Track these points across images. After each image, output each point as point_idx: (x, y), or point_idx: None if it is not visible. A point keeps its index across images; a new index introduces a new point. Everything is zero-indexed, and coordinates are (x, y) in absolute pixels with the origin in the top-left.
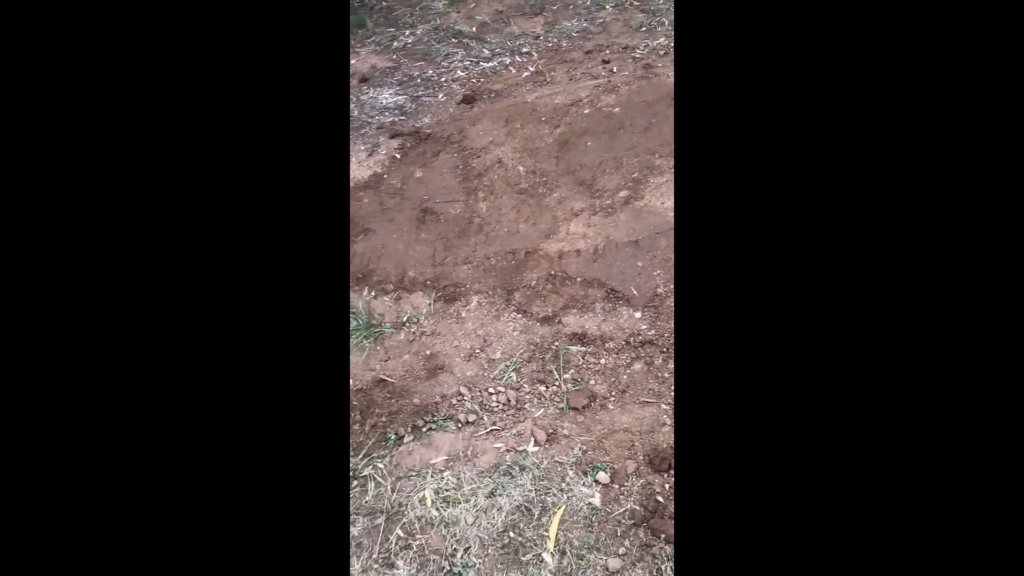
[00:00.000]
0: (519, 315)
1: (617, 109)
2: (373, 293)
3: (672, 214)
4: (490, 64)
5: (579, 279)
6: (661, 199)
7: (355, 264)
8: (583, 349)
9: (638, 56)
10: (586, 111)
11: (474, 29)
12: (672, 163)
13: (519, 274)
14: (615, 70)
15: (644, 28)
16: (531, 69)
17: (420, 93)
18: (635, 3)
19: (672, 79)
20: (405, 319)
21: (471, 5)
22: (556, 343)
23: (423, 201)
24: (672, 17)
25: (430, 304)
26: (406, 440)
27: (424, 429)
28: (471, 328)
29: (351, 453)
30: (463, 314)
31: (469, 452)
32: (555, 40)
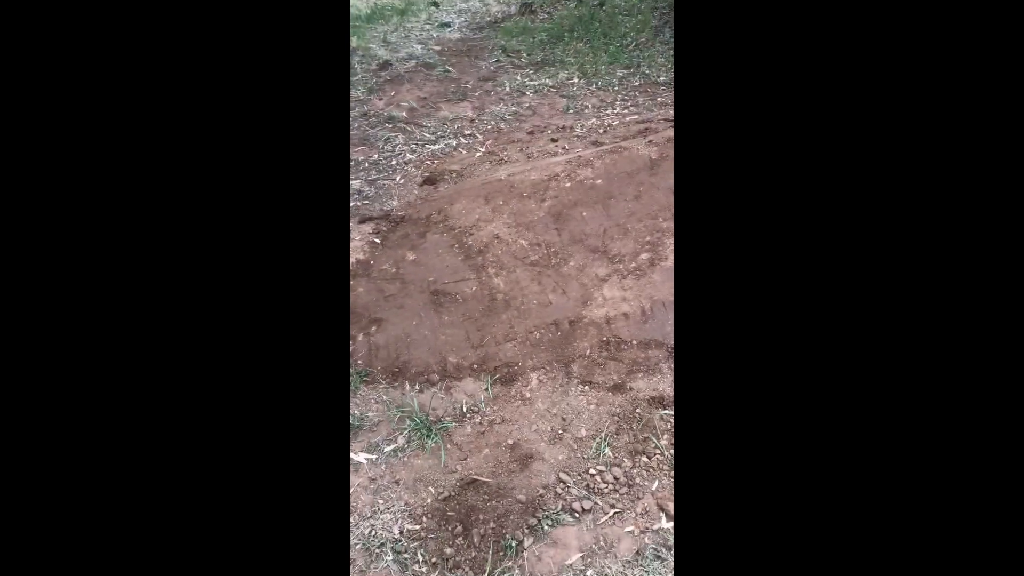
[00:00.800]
0: (586, 387)
1: (599, 181)
2: (418, 386)
3: None
4: (437, 146)
5: (635, 342)
6: None
7: (383, 357)
8: (667, 412)
9: (580, 134)
10: (567, 184)
11: (405, 115)
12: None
13: (570, 345)
14: (567, 147)
15: (571, 111)
16: (481, 150)
17: (374, 177)
18: (552, 89)
19: (643, 152)
20: (465, 409)
21: (391, 93)
22: (637, 410)
23: (429, 284)
24: (593, 101)
25: (487, 389)
26: (527, 544)
27: (542, 528)
28: (542, 408)
29: (472, 574)
30: (527, 394)
31: (603, 543)
32: (492, 123)
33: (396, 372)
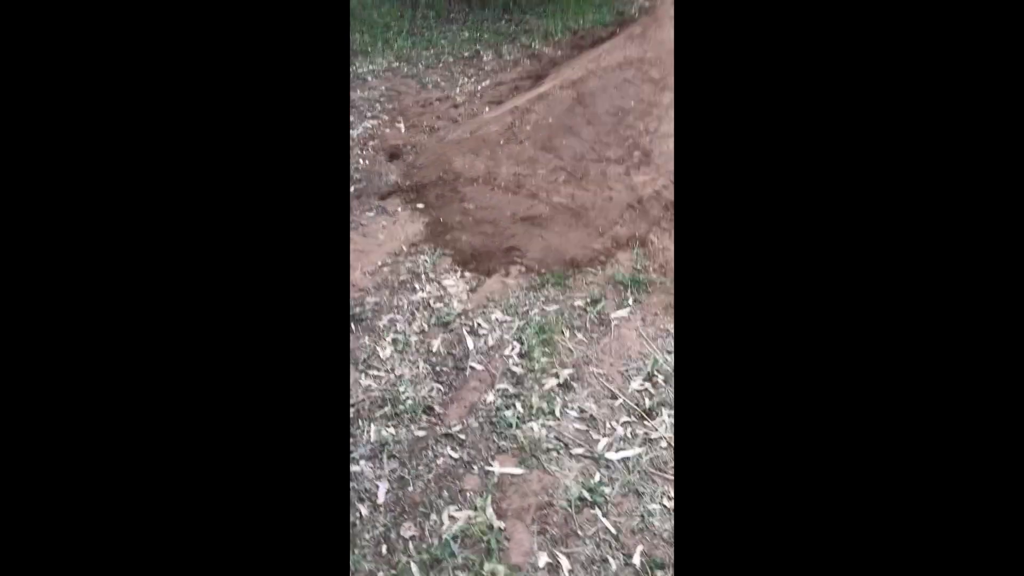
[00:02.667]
0: None
1: (550, 119)
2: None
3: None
4: (368, 124)
5: None
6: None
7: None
8: None
9: (460, 102)
10: (528, 127)
11: None
12: (653, 126)
13: (649, 214)
14: (488, 107)
15: (448, 84)
16: (401, 123)
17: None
18: (425, 69)
19: (562, 94)
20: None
21: None
22: None
23: (514, 215)
24: (457, 73)
25: (636, 252)
26: None
27: None
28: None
29: None
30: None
31: None
32: (396, 101)
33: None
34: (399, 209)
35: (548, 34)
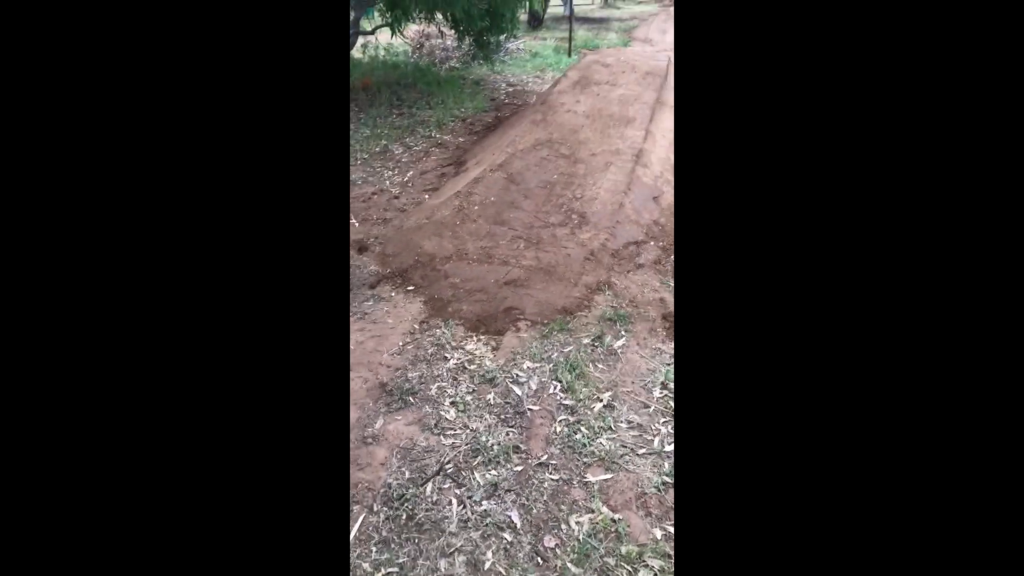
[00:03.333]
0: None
1: (492, 198)
2: None
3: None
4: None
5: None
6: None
7: None
8: None
9: (396, 194)
10: (476, 207)
11: None
12: (579, 193)
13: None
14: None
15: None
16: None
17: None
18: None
19: (497, 175)
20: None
21: None
22: None
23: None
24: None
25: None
26: None
27: None
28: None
29: None
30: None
31: None
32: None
33: None
34: (392, 294)
35: (440, 123)
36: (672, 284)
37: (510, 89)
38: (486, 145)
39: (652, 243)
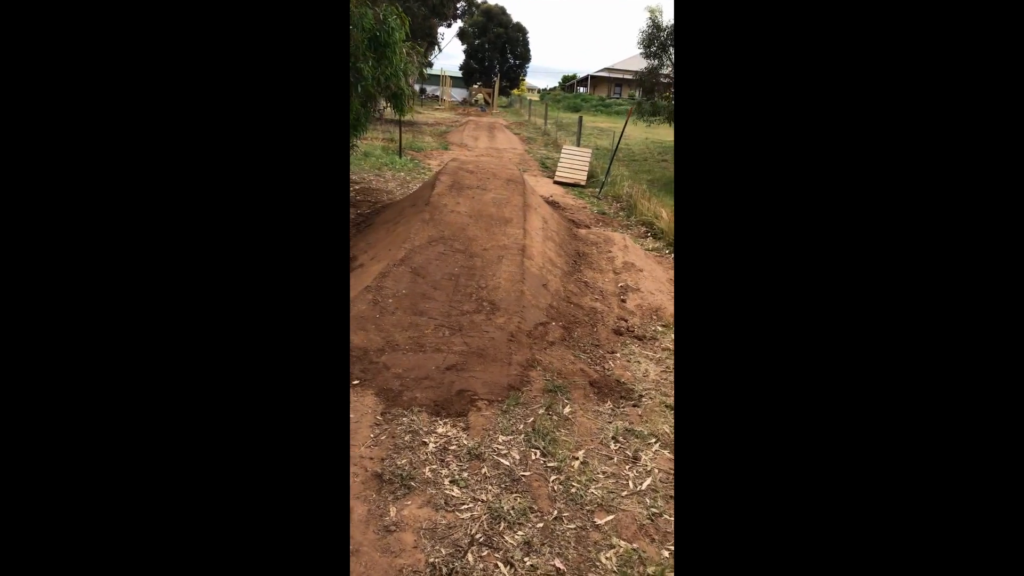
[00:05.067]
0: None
1: (403, 291)
2: None
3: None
4: None
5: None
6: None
7: None
8: None
9: None
10: (391, 300)
11: None
12: (484, 283)
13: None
14: None
15: None
16: None
17: None
18: None
19: (401, 270)
20: None
21: None
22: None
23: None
24: None
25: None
26: None
27: None
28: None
29: None
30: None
31: None
32: None
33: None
34: None
35: None
36: (582, 356)
37: (356, 187)
38: (373, 241)
39: (554, 323)
